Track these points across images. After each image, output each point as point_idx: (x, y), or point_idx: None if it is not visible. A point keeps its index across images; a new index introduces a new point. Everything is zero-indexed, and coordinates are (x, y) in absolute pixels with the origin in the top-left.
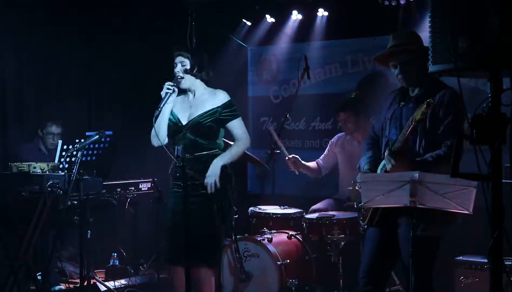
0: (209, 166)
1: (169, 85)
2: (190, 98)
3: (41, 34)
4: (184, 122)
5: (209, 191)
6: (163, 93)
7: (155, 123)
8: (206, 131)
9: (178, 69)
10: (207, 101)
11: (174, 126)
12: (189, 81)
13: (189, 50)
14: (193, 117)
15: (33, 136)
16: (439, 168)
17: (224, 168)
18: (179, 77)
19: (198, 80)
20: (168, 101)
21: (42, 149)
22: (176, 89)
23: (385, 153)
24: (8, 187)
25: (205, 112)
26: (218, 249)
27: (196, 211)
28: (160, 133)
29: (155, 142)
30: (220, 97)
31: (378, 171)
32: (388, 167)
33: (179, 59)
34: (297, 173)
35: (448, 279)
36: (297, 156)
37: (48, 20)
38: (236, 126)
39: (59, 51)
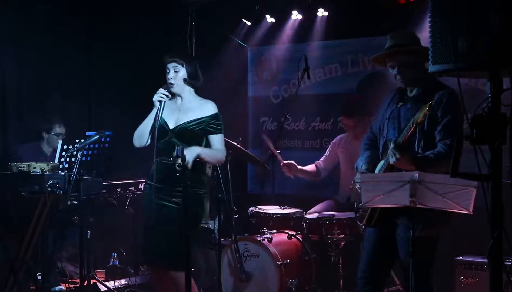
0: (189, 171)
1: (164, 93)
2: (178, 103)
3: (41, 34)
4: (171, 126)
5: (177, 168)
6: (156, 99)
7: (144, 124)
8: (192, 138)
9: (171, 75)
10: (196, 109)
11: (161, 129)
12: (180, 87)
13: (182, 57)
14: (181, 123)
15: (34, 137)
16: (440, 165)
17: (199, 175)
18: (171, 83)
19: (189, 88)
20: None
21: (44, 150)
22: (169, 95)
23: (391, 146)
24: (8, 187)
25: (194, 120)
26: (186, 253)
27: (169, 215)
28: (144, 135)
29: (138, 144)
30: (210, 108)
31: (377, 171)
32: (392, 160)
33: (172, 65)
34: (292, 177)
35: (448, 279)
36: (293, 162)
37: (48, 19)
38: (217, 140)
39: (59, 51)
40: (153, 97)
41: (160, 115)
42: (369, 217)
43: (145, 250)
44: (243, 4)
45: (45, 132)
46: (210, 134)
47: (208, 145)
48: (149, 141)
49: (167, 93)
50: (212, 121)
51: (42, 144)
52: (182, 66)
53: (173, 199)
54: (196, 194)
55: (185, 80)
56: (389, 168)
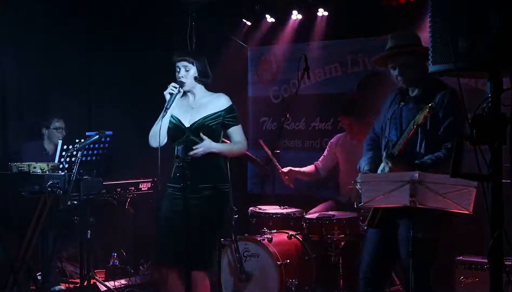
0: (207, 169)
1: (174, 86)
2: (191, 101)
3: (41, 34)
4: (187, 124)
5: (194, 152)
6: (166, 94)
7: (157, 123)
8: (210, 134)
9: (182, 74)
10: (209, 103)
11: (176, 128)
12: (191, 84)
13: (192, 56)
14: (197, 120)
15: (34, 136)
16: (437, 170)
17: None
18: (183, 82)
19: (199, 86)
20: (174, 101)
21: (46, 148)
22: (181, 90)
23: (383, 155)
24: (8, 187)
25: (210, 115)
26: (210, 252)
27: (193, 214)
28: (161, 134)
29: (154, 143)
30: (223, 101)
31: (379, 172)
32: (386, 169)
33: (182, 64)
34: (292, 186)
35: (448, 279)
36: (290, 168)
37: (48, 19)
38: (237, 132)
39: (59, 51)
40: (163, 92)
41: (168, 107)
42: (371, 218)
43: (166, 251)
44: (243, 4)
45: (45, 128)
46: (229, 127)
47: (226, 139)
48: (166, 139)
49: (177, 86)
50: (229, 115)
51: (44, 142)
52: (193, 64)
53: (195, 195)
54: (220, 191)
55: (195, 78)
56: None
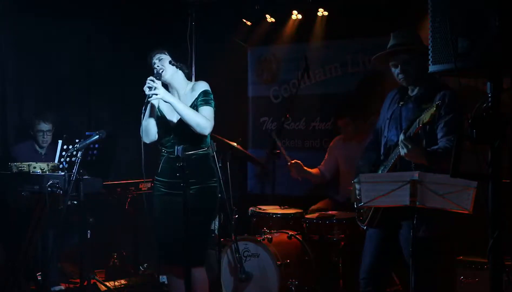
0: (199, 165)
1: (151, 79)
2: (176, 97)
3: (41, 34)
4: (174, 122)
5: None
6: (146, 88)
7: (143, 120)
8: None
9: (158, 64)
10: (189, 95)
11: (164, 125)
12: (170, 72)
13: (163, 48)
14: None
15: (26, 137)
16: (447, 161)
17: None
18: (161, 70)
19: (180, 74)
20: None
21: (38, 150)
22: (159, 79)
23: (400, 138)
24: (8, 187)
25: (190, 107)
26: (203, 247)
27: (181, 210)
28: (150, 130)
29: (146, 139)
30: (200, 87)
31: (380, 172)
32: (403, 152)
33: (156, 57)
34: (300, 179)
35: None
36: (300, 162)
37: (48, 19)
38: (206, 111)
39: (59, 50)
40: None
41: (146, 102)
42: (371, 218)
43: (164, 250)
44: (243, 4)
45: (31, 130)
46: (199, 107)
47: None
48: (157, 136)
49: (155, 79)
50: (201, 97)
51: (34, 143)
52: (165, 54)
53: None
54: (208, 187)
55: (171, 62)
56: (392, 168)
